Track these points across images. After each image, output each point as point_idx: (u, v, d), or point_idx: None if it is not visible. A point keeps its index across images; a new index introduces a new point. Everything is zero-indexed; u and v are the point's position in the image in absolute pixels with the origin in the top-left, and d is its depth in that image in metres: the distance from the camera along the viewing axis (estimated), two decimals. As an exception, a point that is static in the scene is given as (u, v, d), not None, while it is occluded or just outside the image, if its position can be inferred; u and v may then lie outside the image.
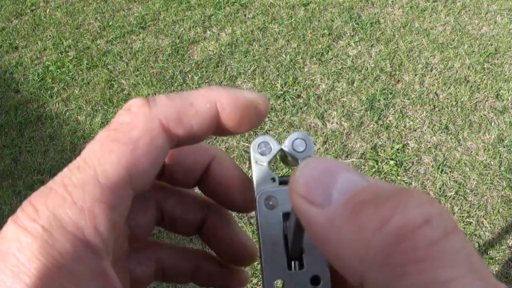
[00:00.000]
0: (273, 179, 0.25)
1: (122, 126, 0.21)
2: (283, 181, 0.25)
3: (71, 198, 0.19)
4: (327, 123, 2.21)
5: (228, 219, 0.28)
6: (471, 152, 2.04)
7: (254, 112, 0.23)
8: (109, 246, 0.20)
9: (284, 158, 0.26)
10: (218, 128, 0.23)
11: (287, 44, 2.65)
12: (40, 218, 0.19)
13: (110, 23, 2.98)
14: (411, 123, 2.17)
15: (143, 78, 2.56)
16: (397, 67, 2.44)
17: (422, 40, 2.58)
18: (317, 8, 2.87)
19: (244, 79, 2.48)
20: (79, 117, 2.40)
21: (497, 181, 1.92)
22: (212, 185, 0.27)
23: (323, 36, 2.67)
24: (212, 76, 2.52)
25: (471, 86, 2.31)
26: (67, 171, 0.20)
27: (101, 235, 0.19)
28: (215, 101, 0.23)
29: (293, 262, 0.24)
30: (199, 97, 0.22)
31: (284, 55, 2.58)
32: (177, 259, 0.29)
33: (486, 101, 2.24)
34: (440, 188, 1.91)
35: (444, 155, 2.03)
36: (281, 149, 0.25)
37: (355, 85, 2.37)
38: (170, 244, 0.30)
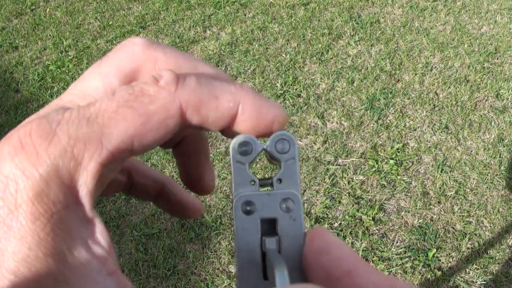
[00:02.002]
0: (253, 182, 0.23)
1: (143, 96, 0.21)
2: (264, 184, 0.24)
3: (72, 152, 0.20)
4: (327, 122, 2.21)
5: (177, 187, 0.32)
6: (471, 151, 2.04)
7: (270, 126, 0.23)
8: (95, 197, 0.21)
9: (268, 157, 0.25)
10: (227, 127, 0.24)
11: (287, 44, 2.65)
12: (40, 165, 0.20)
13: (110, 23, 2.98)
14: (411, 122, 2.17)
15: (143, 78, 2.56)
16: (397, 67, 2.44)
17: (422, 39, 2.58)
18: (317, 8, 2.87)
19: (244, 78, 2.48)
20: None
21: (497, 181, 1.92)
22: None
23: (323, 36, 2.67)
24: (212, 76, 2.52)
25: (471, 86, 2.31)
26: (76, 117, 0.20)
27: (90, 189, 0.21)
28: (239, 102, 0.23)
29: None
30: (226, 93, 0.22)
31: (284, 55, 2.58)
32: (147, 178, 0.31)
33: (486, 100, 2.24)
34: (440, 188, 1.91)
35: (444, 155, 2.03)
36: (264, 149, 0.24)
37: (355, 84, 2.37)
38: (142, 165, 0.31)
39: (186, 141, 0.29)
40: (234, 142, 0.23)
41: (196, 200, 0.32)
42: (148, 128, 0.21)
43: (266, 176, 1.95)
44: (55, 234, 0.19)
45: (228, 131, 0.24)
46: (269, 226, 0.23)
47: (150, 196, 0.31)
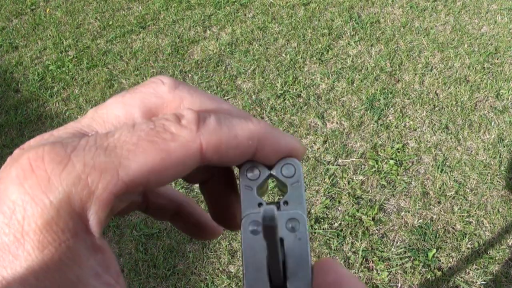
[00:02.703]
0: (260, 204, 0.24)
1: (165, 132, 0.21)
2: None
3: (87, 180, 0.19)
4: (327, 122, 2.21)
5: (196, 208, 0.31)
6: (471, 151, 2.04)
7: (289, 153, 0.24)
8: (104, 226, 0.21)
9: (277, 183, 0.26)
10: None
11: (287, 44, 2.65)
12: (52, 192, 0.19)
13: (110, 23, 2.98)
14: (411, 122, 2.17)
15: (143, 78, 2.56)
16: (397, 67, 2.44)
17: (422, 39, 2.58)
18: (317, 8, 2.87)
19: (244, 78, 2.48)
20: (79, 116, 2.40)
21: (497, 181, 1.92)
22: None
23: (323, 36, 2.67)
24: (212, 76, 2.52)
25: (471, 86, 2.31)
26: (93, 144, 0.20)
27: (100, 220, 0.20)
28: (258, 139, 0.23)
29: None
30: (245, 131, 0.23)
31: (284, 55, 2.58)
32: (163, 198, 0.30)
33: (486, 100, 2.24)
34: (440, 188, 1.91)
35: (444, 155, 2.03)
36: (270, 174, 0.25)
37: (355, 84, 2.37)
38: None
39: (214, 179, 0.28)
40: (243, 168, 0.25)
41: (214, 222, 0.31)
42: (167, 164, 0.21)
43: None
44: (63, 263, 0.19)
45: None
46: None
47: (167, 216, 0.31)
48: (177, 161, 0.21)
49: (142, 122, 0.22)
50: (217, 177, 0.28)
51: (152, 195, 0.29)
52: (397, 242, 1.77)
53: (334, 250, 1.76)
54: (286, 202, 0.24)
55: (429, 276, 1.67)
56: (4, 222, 0.19)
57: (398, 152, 2.05)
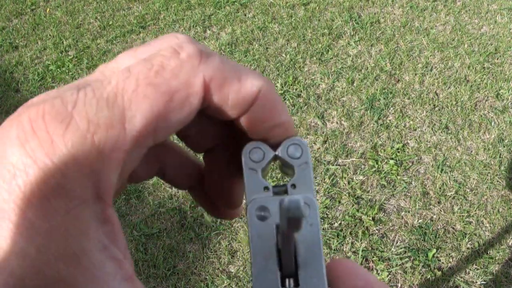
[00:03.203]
0: (266, 188, 0.23)
1: (164, 70, 0.19)
2: (278, 191, 0.23)
3: (92, 139, 0.18)
4: (327, 122, 2.21)
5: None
6: (471, 151, 2.04)
7: (279, 126, 0.23)
8: (115, 191, 0.19)
9: (281, 165, 0.24)
10: (240, 116, 0.22)
11: (287, 44, 2.65)
12: (55, 154, 0.17)
13: (110, 23, 2.98)
14: (411, 122, 2.17)
15: (143, 78, 2.56)
16: (397, 67, 2.44)
17: (422, 39, 2.58)
18: (317, 8, 2.87)
19: (244, 78, 2.49)
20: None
21: (497, 181, 1.92)
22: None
23: (323, 36, 2.67)
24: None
25: (471, 86, 2.31)
26: (92, 97, 0.18)
27: (111, 182, 0.18)
28: (260, 88, 0.21)
29: (287, 280, 0.22)
30: (250, 77, 0.21)
31: (284, 55, 2.58)
32: (180, 168, 0.27)
33: (486, 100, 2.24)
34: (440, 188, 1.91)
35: (444, 155, 2.03)
36: (275, 156, 0.23)
37: (355, 84, 2.37)
38: (178, 148, 0.27)
39: (219, 148, 0.26)
40: (245, 149, 0.23)
41: (238, 196, 0.28)
42: (172, 107, 0.19)
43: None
44: (69, 234, 0.17)
45: (239, 122, 0.23)
46: None
47: (185, 182, 0.28)
48: (181, 102, 0.19)
49: (138, 63, 0.20)
50: (223, 148, 0.26)
51: (169, 157, 0.27)
52: (397, 242, 1.78)
53: (334, 250, 1.76)
54: (293, 185, 0.23)
55: (429, 276, 1.67)
56: (3, 188, 0.17)
57: (398, 152, 2.05)
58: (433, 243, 1.76)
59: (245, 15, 2.90)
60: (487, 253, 1.72)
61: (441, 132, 2.12)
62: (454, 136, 2.09)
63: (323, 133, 2.16)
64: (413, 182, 1.95)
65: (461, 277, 1.67)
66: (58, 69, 2.69)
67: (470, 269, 1.69)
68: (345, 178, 1.97)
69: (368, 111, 2.23)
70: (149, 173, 0.26)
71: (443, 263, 1.71)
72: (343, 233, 1.80)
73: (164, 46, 0.21)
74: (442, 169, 1.97)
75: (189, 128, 0.24)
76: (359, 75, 2.42)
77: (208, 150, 0.27)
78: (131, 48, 0.22)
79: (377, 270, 1.70)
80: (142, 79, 0.19)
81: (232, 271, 1.75)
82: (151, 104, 0.19)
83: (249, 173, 0.23)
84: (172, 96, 0.19)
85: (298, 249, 0.21)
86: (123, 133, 0.18)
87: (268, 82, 0.22)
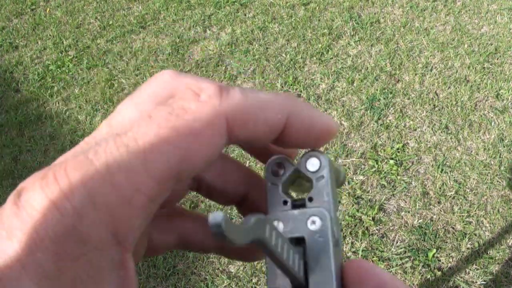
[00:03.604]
0: (285, 202, 0.23)
1: (185, 113, 0.19)
2: (297, 204, 0.23)
3: (112, 181, 0.17)
4: (327, 122, 2.21)
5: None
6: (471, 151, 2.04)
7: (320, 138, 0.22)
8: (136, 237, 0.18)
9: (297, 181, 0.25)
10: (274, 141, 0.22)
11: (287, 44, 2.65)
12: (74, 196, 0.17)
13: (110, 23, 2.98)
14: (411, 122, 2.17)
15: (143, 78, 2.56)
16: (397, 67, 2.44)
17: (422, 39, 2.58)
18: (317, 8, 2.87)
19: (244, 78, 2.48)
20: (79, 116, 2.40)
21: (497, 181, 1.92)
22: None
23: (323, 36, 2.67)
24: (212, 76, 2.52)
25: (471, 86, 2.31)
26: (113, 146, 0.18)
27: (132, 228, 0.18)
28: (288, 114, 0.21)
29: None
30: (274, 104, 0.21)
31: (284, 55, 2.58)
32: (202, 233, 0.26)
33: (486, 100, 2.24)
34: (440, 188, 1.91)
35: (444, 155, 2.03)
36: (296, 169, 0.24)
37: (355, 84, 2.37)
38: (197, 214, 0.26)
39: (251, 196, 0.26)
40: (268, 164, 0.24)
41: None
42: (196, 149, 0.19)
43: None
44: (80, 280, 0.17)
45: (275, 144, 0.23)
46: (299, 245, 0.22)
47: (229, 200, 0.26)
48: (206, 142, 0.19)
49: (158, 109, 0.19)
50: (254, 195, 0.25)
51: (209, 176, 0.25)
52: (397, 242, 1.78)
53: (334, 250, 1.76)
54: (310, 199, 0.23)
55: (429, 276, 1.67)
56: (19, 229, 0.17)
57: (398, 152, 2.05)
58: (433, 243, 1.76)
59: (245, 15, 2.90)
60: (487, 253, 1.72)
61: (441, 132, 2.12)
62: (454, 136, 2.10)
63: (323, 133, 2.16)
64: (413, 182, 1.95)
65: (461, 277, 1.67)
66: (58, 69, 2.69)
67: (470, 269, 1.69)
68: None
69: (368, 111, 2.23)
70: (167, 243, 0.25)
71: (443, 263, 1.71)
72: (343, 233, 1.80)
73: (154, 84, 0.21)
74: (442, 169, 1.97)
75: (214, 179, 0.24)
76: (359, 75, 2.42)
77: (238, 204, 0.26)
78: (126, 98, 0.22)
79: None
80: (163, 123, 0.18)
81: (232, 271, 1.75)
82: (173, 146, 0.18)
83: (270, 187, 0.24)
84: (196, 138, 0.19)
85: (308, 262, 0.22)
86: (145, 177, 0.18)
87: (294, 101, 0.21)
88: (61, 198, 0.17)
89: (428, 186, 1.93)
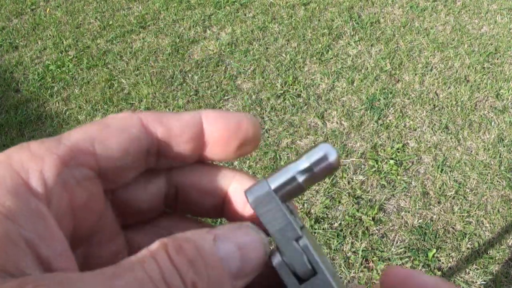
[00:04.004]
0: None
1: (101, 119, 0.21)
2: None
3: (29, 147, 0.19)
4: (327, 122, 2.21)
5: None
6: (471, 151, 2.04)
7: (244, 132, 0.22)
8: (55, 198, 0.19)
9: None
10: (204, 149, 0.22)
11: (287, 44, 2.65)
12: None
13: (110, 23, 2.98)
14: (411, 122, 2.17)
15: (143, 78, 2.56)
16: (397, 67, 2.44)
17: (422, 39, 2.58)
18: (317, 8, 2.87)
19: (244, 78, 2.48)
20: (79, 116, 2.40)
21: (497, 181, 1.92)
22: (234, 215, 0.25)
23: (323, 36, 2.67)
24: (212, 76, 2.52)
25: (471, 86, 2.31)
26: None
27: (45, 180, 0.19)
28: (200, 115, 0.22)
29: None
30: (184, 113, 0.22)
31: (284, 55, 2.58)
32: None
33: (486, 100, 2.24)
34: (440, 188, 1.91)
35: (444, 155, 2.03)
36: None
37: (355, 84, 2.37)
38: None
39: (228, 203, 0.25)
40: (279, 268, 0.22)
41: None
42: (109, 133, 0.20)
43: None
44: None
45: (210, 154, 0.23)
46: None
47: (205, 213, 0.25)
48: (118, 130, 0.21)
49: None
50: (234, 197, 0.24)
51: (180, 181, 0.25)
52: (397, 242, 1.77)
53: (334, 250, 1.76)
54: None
55: (429, 276, 1.67)
56: None
57: (398, 152, 2.05)
58: (433, 243, 1.76)
59: (245, 15, 2.90)
60: (487, 253, 1.72)
61: (441, 132, 2.12)
62: (454, 136, 2.09)
63: (323, 133, 2.16)
64: (413, 182, 1.95)
65: (461, 277, 1.67)
66: (58, 69, 2.69)
67: (470, 269, 1.68)
68: (345, 178, 1.97)
69: (368, 111, 2.23)
70: (155, 202, 0.25)
71: (443, 263, 1.71)
72: (343, 233, 1.80)
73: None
74: (442, 169, 1.97)
75: (190, 185, 0.24)
76: (359, 75, 2.42)
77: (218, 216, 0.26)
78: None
79: (377, 270, 1.70)
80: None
81: (232, 271, 1.75)
82: (86, 129, 0.21)
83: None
84: (106, 125, 0.21)
85: None
86: (57, 143, 0.20)
87: (204, 110, 0.23)
88: None
89: (428, 186, 1.93)
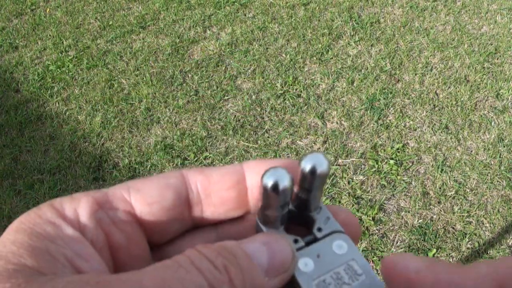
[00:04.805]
0: (296, 241, 0.23)
1: None
2: (309, 241, 0.23)
3: (72, 194, 0.22)
4: (327, 122, 2.21)
5: None
6: (471, 151, 2.04)
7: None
8: (89, 231, 0.21)
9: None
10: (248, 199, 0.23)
11: (287, 44, 2.65)
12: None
13: (110, 23, 2.98)
14: (411, 122, 2.17)
15: (143, 78, 2.56)
16: (397, 67, 2.44)
17: (422, 39, 2.58)
18: (317, 8, 2.87)
19: (244, 78, 2.48)
20: (79, 116, 2.40)
21: (497, 181, 1.92)
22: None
23: (323, 36, 2.67)
24: (212, 76, 2.52)
25: (471, 86, 2.31)
26: None
27: (78, 215, 0.21)
28: (242, 164, 0.24)
29: None
30: (226, 165, 0.24)
31: (284, 55, 2.58)
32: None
33: (486, 100, 2.24)
34: (440, 188, 1.91)
35: (444, 155, 2.03)
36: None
37: (355, 84, 2.37)
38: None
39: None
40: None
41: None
42: (145, 182, 0.22)
43: None
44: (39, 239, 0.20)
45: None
46: None
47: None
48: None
49: None
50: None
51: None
52: (397, 242, 1.77)
53: (334, 250, 1.76)
54: (319, 229, 0.23)
55: (429, 276, 1.67)
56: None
57: (398, 152, 2.05)
58: (433, 243, 1.75)
59: (245, 15, 2.90)
60: (487, 253, 1.72)
61: (441, 132, 2.12)
62: (454, 136, 2.09)
63: (323, 133, 2.16)
64: (413, 182, 1.95)
65: (461, 277, 1.67)
66: (58, 69, 2.69)
67: (470, 269, 1.68)
68: (345, 178, 1.97)
69: (368, 111, 2.23)
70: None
71: (443, 263, 1.71)
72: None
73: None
74: (442, 169, 1.97)
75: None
76: (359, 75, 2.42)
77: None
78: None
79: (377, 270, 1.70)
80: None
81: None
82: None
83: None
84: None
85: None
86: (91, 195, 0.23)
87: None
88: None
89: (428, 186, 1.93)
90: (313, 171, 0.22)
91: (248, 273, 0.19)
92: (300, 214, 0.24)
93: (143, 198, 0.22)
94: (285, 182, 0.21)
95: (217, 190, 0.23)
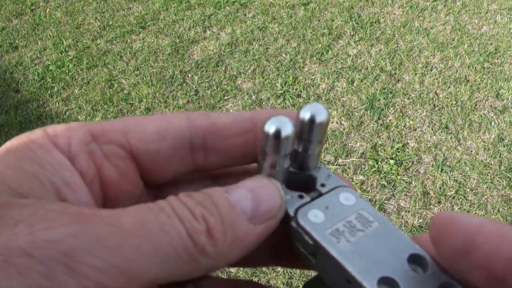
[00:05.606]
0: (301, 196, 0.23)
1: None
2: (313, 196, 0.23)
3: (70, 123, 0.22)
4: (327, 122, 2.21)
5: None
6: (471, 151, 2.04)
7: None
8: (79, 161, 0.21)
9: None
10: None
11: (287, 44, 2.65)
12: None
13: (110, 23, 2.98)
14: (411, 122, 2.17)
15: (143, 78, 2.56)
16: (397, 67, 2.44)
17: (422, 39, 2.58)
18: (317, 8, 2.87)
19: (244, 78, 2.48)
20: (79, 116, 2.40)
21: (497, 181, 1.92)
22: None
23: (323, 36, 2.67)
24: (212, 76, 2.52)
25: (471, 86, 2.31)
26: None
27: (70, 144, 0.21)
28: (251, 112, 0.24)
29: None
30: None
31: (284, 55, 2.58)
32: None
33: (486, 100, 2.24)
34: (440, 188, 1.91)
35: (444, 155, 2.03)
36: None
37: (355, 84, 2.37)
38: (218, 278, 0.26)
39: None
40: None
41: None
42: (147, 119, 0.22)
43: None
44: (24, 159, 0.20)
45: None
46: None
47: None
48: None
49: None
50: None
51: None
52: (397, 242, 1.77)
53: (334, 250, 1.76)
54: (323, 185, 0.24)
55: (429, 276, 1.67)
56: None
57: (398, 152, 2.05)
58: (433, 243, 1.75)
59: (245, 15, 2.90)
60: (487, 253, 1.72)
61: (441, 132, 2.12)
62: (454, 136, 2.09)
63: (323, 133, 2.16)
64: (413, 182, 1.95)
65: (461, 277, 1.67)
66: (58, 69, 2.69)
67: (470, 269, 1.68)
68: (345, 178, 1.97)
69: (368, 111, 2.23)
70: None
71: (443, 263, 1.71)
72: (343, 233, 1.80)
73: None
74: (442, 169, 1.97)
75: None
76: (359, 75, 2.42)
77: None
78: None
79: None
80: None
81: (232, 270, 1.74)
82: None
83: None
84: None
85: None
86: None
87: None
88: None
89: (428, 186, 1.93)
90: (312, 119, 0.22)
91: (229, 222, 0.19)
92: (300, 176, 0.23)
93: (141, 136, 0.21)
94: (287, 129, 0.21)
95: (223, 137, 0.22)
